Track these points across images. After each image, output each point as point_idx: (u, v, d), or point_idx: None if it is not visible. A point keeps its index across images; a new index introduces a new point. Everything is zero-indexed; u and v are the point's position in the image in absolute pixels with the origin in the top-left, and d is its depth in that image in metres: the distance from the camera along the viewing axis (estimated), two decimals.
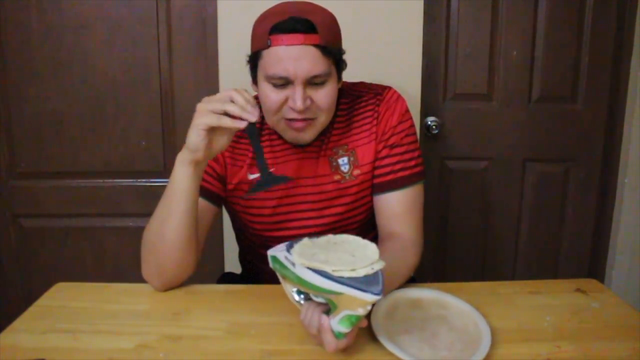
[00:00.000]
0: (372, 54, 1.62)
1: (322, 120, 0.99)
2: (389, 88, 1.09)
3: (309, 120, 0.97)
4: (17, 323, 0.87)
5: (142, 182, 1.80)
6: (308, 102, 0.95)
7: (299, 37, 0.91)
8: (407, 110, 1.07)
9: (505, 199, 1.87)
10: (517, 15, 1.73)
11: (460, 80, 1.78)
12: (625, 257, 1.83)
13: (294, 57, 0.92)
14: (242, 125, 0.85)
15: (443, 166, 1.83)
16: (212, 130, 0.88)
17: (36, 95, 1.73)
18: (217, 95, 0.88)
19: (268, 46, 0.93)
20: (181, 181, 0.91)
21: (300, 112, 0.94)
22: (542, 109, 1.79)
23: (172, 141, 1.78)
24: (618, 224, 1.82)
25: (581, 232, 1.90)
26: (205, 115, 0.86)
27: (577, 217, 1.88)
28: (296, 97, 0.93)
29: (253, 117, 0.85)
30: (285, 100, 0.95)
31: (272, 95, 0.96)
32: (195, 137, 0.87)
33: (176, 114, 1.77)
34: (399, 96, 1.08)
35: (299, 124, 0.97)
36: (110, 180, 1.80)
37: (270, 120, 1.01)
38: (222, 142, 0.91)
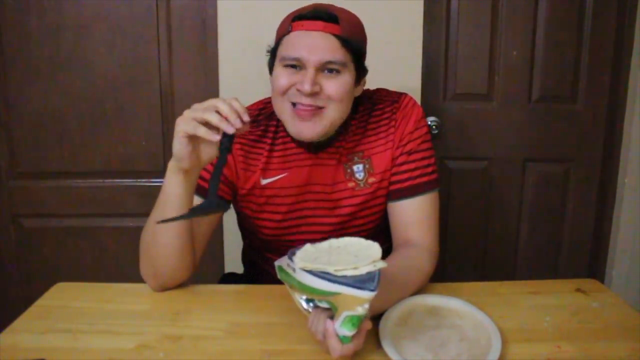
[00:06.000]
0: (372, 54, 1.61)
1: (331, 113, 0.96)
2: (405, 95, 1.09)
3: (316, 110, 0.95)
4: (17, 323, 0.87)
5: (142, 182, 1.80)
6: (317, 87, 0.93)
7: (320, 24, 0.93)
8: (423, 117, 1.07)
9: (505, 199, 1.87)
10: (517, 15, 1.72)
11: (460, 80, 1.78)
12: (625, 257, 1.83)
13: (311, 42, 0.93)
14: (216, 137, 0.82)
15: (443, 166, 1.83)
16: (195, 139, 0.86)
17: (36, 95, 1.73)
18: (205, 103, 0.85)
19: (289, 32, 0.95)
20: (173, 188, 0.90)
21: (307, 95, 0.93)
22: (542, 109, 1.79)
23: (172, 141, 1.77)
24: (618, 224, 1.82)
25: (581, 232, 1.90)
26: (186, 122, 0.84)
27: (577, 217, 1.88)
28: (305, 79, 0.92)
29: (230, 129, 0.82)
30: (294, 84, 0.95)
31: (282, 77, 0.95)
32: (177, 145, 0.86)
33: (176, 114, 1.75)
34: (415, 103, 1.07)
35: (304, 112, 0.95)
36: (110, 180, 1.80)
37: (277, 106, 0.99)
38: (210, 152, 0.88)
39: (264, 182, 1.05)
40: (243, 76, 1.64)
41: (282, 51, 0.96)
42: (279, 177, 1.04)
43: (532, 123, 1.80)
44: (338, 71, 0.95)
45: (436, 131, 1.77)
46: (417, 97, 1.68)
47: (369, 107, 1.08)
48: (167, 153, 1.78)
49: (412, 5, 1.63)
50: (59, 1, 1.67)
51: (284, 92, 0.96)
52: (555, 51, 1.75)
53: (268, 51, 1.02)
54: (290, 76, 0.95)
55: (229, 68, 1.66)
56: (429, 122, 1.77)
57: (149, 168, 1.79)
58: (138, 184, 1.80)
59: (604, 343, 0.81)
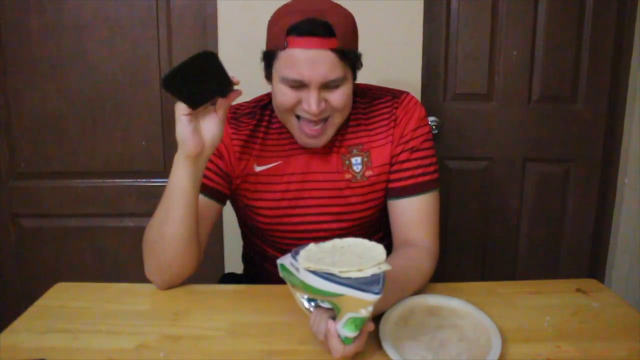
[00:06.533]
0: (372, 54, 1.61)
1: (337, 121, 0.99)
2: (407, 93, 1.09)
3: (323, 125, 0.98)
4: (17, 323, 0.87)
5: (142, 182, 1.80)
6: (323, 104, 0.95)
7: (316, 40, 0.91)
8: (425, 116, 1.07)
9: (505, 199, 1.87)
10: (517, 15, 1.73)
11: (460, 80, 1.78)
12: (625, 257, 1.83)
13: (311, 61, 0.91)
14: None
15: (443, 166, 1.83)
16: (195, 118, 0.88)
17: (36, 95, 1.73)
18: None
19: (285, 47, 0.92)
20: (178, 179, 0.91)
21: (314, 115, 0.95)
22: (542, 109, 1.79)
23: (172, 141, 1.74)
24: (618, 224, 1.82)
25: (581, 232, 1.90)
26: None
27: (577, 217, 1.88)
28: (311, 100, 0.93)
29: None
30: (299, 101, 0.95)
31: (286, 95, 0.96)
32: (178, 126, 0.88)
33: None
34: (417, 102, 1.08)
35: (313, 132, 0.97)
36: (110, 180, 1.80)
37: (282, 117, 1.01)
38: (211, 130, 0.89)
39: (258, 169, 1.05)
40: (243, 76, 1.63)
41: (281, 69, 0.94)
42: (273, 164, 1.05)
43: (532, 123, 1.80)
44: (339, 85, 0.96)
45: (436, 131, 1.77)
46: (417, 97, 1.67)
47: (368, 100, 1.08)
48: (167, 153, 1.78)
49: (412, 5, 1.63)
50: (59, 1, 1.67)
51: (290, 110, 0.97)
52: (555, 51, 1.75)
53: (262, 59, 1.00)
54: (295, 94, 0.95)
55: (229, 68, 1.64)
56: (429, 122, 1.76)
57: (149, 168, 1.79)
58: (138, 184, 1.80)
59: (604, 343, 0.81)
